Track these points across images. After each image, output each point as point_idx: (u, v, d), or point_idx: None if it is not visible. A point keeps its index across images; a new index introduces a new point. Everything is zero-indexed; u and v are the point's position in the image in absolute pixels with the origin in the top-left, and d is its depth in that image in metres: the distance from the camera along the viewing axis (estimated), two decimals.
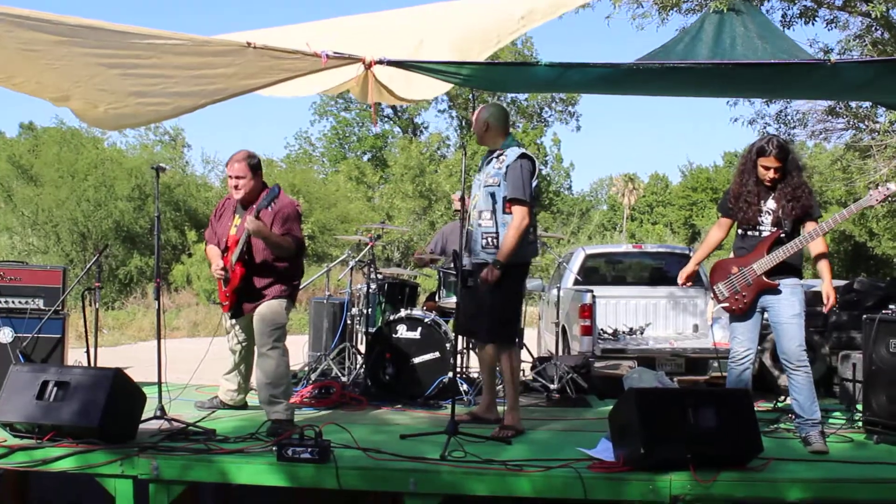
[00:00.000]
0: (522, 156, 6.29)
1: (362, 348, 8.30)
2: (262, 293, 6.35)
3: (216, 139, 72.09)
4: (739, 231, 6.08)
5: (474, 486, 5.03)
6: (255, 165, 6.43)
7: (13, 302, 7.26)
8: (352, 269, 8.43)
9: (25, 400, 5.43)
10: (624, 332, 11.74)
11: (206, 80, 6.03)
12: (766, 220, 5.91)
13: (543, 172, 51.57)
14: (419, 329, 7.63)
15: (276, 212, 6.27)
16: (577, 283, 11.52)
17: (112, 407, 5.34)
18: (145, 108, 6.45)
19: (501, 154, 6.31)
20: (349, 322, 8.22)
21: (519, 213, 6.21)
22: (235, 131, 65.47)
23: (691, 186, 59.84)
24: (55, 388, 5.43)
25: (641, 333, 11.90)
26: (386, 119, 50.52)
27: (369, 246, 8.18)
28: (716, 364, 10.91)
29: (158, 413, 6.00)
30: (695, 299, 12.10)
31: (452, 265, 7.67)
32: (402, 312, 7.82)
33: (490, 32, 6.83)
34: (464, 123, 50.38)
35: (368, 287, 8.00)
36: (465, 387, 7.56)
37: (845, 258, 37.97)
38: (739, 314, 5.99)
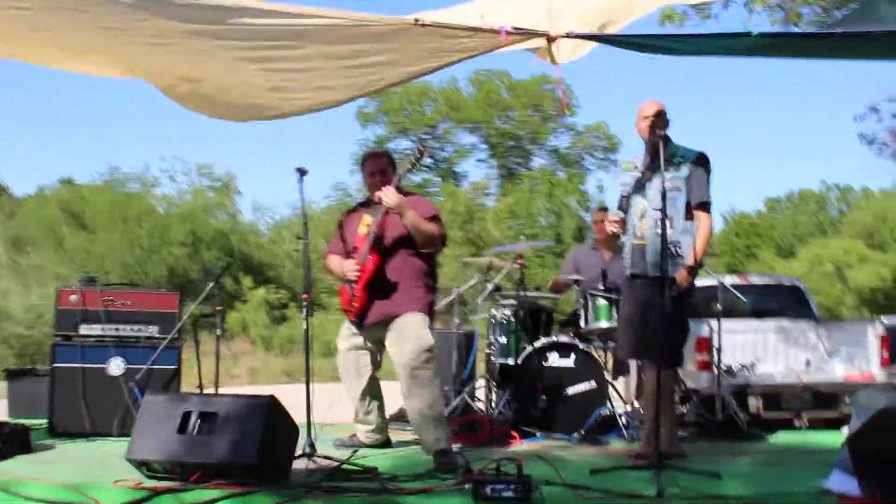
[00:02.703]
0: (703, 157, 5.71)
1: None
2: (398, 297, 5.62)
3: (266, 186, 72.11)
4: None
5: None
6: (393, 162, 5.83)
7: (125, 329, 6.48)
8: (492, 292, 7.58)
9: (165, 435, 4.62)
10: (736, 369, 10.90)
11: (360, 70, 5.28)
12: None
13: (587, 220, 50.73)
14: (573, 356, 6.80)
15: (414, 205, 5.65)
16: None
17: (268, 441, 4.54)
18: (284, 102, 5.76)
19: (676, 156, 5.66)
20: (490, 351, 7.36)
21: (706, 220, 5.66)
22: (284, 181, 65.28)
23: (734, 232, 58.76)
24: (199, 420, 4.64)
25: (752, 369, 11.06)
26: (425, 168, 50.03)
27: (520, 266, 7.32)
28: (848, 399, 10.06)
29: (308, 450, 5.20)
30: (806, 332, 11.25)
31: (602, 286, 6.94)
32: (551, 338, 7.00)
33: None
34: (504, 171, 49.85)
35: (517, 313, 7.17)
36: (624, 420, 6.72)
37: None
38: None
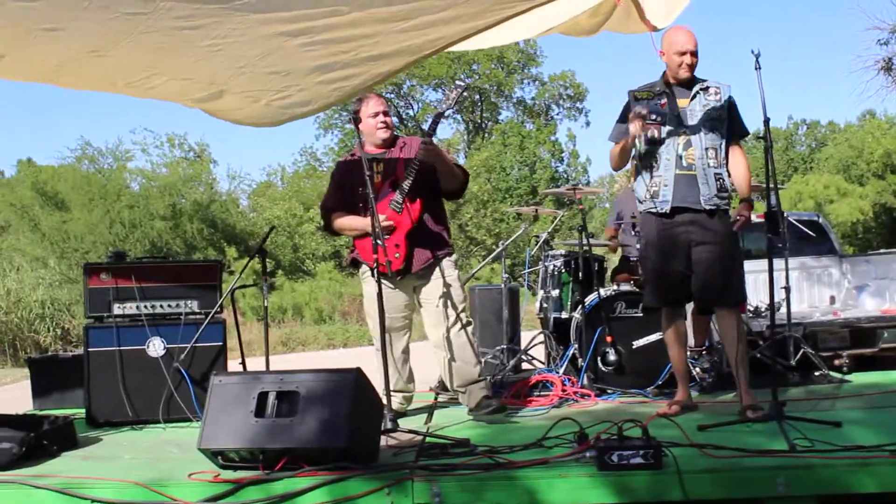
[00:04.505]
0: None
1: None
2: (433, 240, 5.48)
3: (238, 154, 70.93)
4: None
5: (863, 482, 3.79)
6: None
7: (163, 306, 5.95)
8: (545, 241, 7.12)
9: (241, 419, 4.17)
10: (763, 310, 10.57)
11: (416, 31, 4.72)
12: None
13: (560, 170, 50.31)
14: (640, 305, 6.40)
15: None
16: None
17: (358, 420, 4.11)
18: (325, 87, 5.22)
19: (710, 87, 5.37)
20: (545, 306, 6.94)
21: (742, 151, 5.51)
22: (254, 147, 64.39)
23: None
24: (277, 402, 4.20)
25: (779, 310, 10.74)
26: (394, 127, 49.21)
27: (580, 209, 6.88)
28: (886, 335, 9.76)
29: (390, 425, 4.76)
30: (829, 269, 10.95)
31: None
32: (613, 287, 6.59)
33: None
34: (470, 127, 49.39)
35: (569, 264, 6.74)
36: (696, 370, 6.35)
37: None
38: None
